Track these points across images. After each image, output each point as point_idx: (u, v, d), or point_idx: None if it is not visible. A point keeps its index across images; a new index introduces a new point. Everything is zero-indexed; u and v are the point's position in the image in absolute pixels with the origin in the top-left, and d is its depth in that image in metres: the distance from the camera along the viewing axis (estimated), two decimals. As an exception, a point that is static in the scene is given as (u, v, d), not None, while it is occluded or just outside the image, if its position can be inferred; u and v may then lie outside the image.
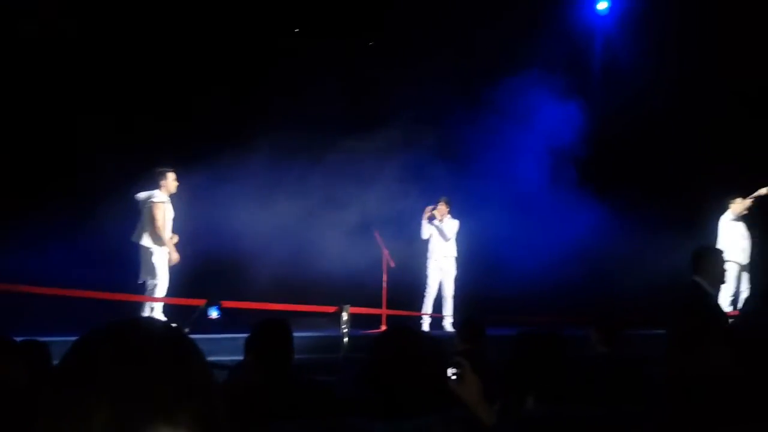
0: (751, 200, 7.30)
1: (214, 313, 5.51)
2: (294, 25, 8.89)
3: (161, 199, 6.42)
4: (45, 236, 6.83)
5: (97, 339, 0.73)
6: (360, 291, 7.41)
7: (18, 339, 2.84)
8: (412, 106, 8.16)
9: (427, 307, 7.70)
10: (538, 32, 8.62)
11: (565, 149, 8.67)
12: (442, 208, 7.66)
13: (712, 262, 4.40)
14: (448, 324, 7.60)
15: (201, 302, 5.62)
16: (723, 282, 4.56)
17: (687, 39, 8.37)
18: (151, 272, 6.38)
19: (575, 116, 8.71)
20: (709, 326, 1.42)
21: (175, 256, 6.46)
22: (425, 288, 7.73)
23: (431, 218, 7.66)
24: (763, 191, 7.23)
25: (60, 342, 4.31)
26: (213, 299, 5.57)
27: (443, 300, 7.70)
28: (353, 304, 6.36)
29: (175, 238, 6.53)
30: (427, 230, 7.70)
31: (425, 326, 7.63)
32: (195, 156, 7.53)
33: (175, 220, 6.58)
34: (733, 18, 7.94)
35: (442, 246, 7.69)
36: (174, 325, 0.90)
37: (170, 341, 0.74)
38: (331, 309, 6.33)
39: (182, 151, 7.48)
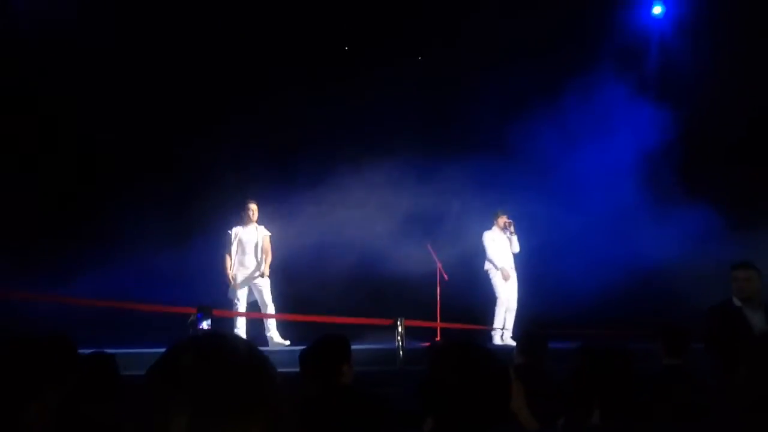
0: None
1: (205, 323, 5.62)
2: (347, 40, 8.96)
3: (228, 231, 7.06)
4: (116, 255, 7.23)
5: (180, 351, 0.77)
6: (414, 304, 7.38)
7: (86, 351, 2.95)
8: (476, 111, 8.09)
9: (500, 320, 7.53)
10: (598, 36, 8.44)
11: (632, 155, 8.36)
12: (506, 219, 7.58)
13: None
14: (507, 337, 7.44)
15: (192, 311, 5.76)
16: None
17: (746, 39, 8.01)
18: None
19: (646, 119, 8.37)
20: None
21: (229, 277, 6.95)
22: (496, 300, 7.54)
23: (505, 228, 7.56)
24: None
25: (127, 354, 4.47)
26: (204, 309, 5.70)
27: (507, 312, 7.54)
28: (408, 317, 6.33)
29: (252, 260, 6.98)
30: (494, 245, 7.53)
31: (497, 339, 7.47)
32: (248, 175, 7.77)
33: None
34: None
35: (509, 258, 7.59)
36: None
37: (245, 354, 0.78)
38: (387, 322, 6.33)
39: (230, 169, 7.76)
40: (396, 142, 7.97)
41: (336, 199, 7.84)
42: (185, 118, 7.89)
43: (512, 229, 7.56)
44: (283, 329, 7.01)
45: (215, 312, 6.27)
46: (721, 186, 8.04)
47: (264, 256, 7.02)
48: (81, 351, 2.74)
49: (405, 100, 8.15)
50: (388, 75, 7.97)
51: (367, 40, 8.66)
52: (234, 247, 6.99)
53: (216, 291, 6.94)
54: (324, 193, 7.88)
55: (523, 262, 7.74)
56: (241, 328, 6.83)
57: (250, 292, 7.02)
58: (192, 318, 5.82)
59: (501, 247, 7.57)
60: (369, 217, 7.87)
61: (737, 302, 4.40)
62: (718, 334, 4.23)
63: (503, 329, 7.52)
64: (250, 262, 6.99)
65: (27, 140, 7.43)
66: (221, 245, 7.07)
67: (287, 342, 6.76)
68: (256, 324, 7.05)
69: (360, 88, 7.91)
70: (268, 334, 6.90)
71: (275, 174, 8.13)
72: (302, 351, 3.00)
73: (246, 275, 6.97)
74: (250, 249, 7.01)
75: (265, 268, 6.98)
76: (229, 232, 7.04)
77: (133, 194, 7.62)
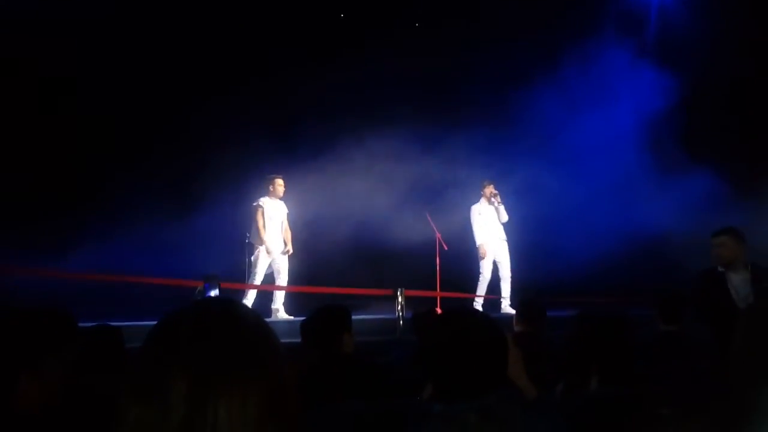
0: None
1: (212, 293, 5.62)
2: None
3: (258, 203, 6.99)
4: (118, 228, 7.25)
5: (179, 318, 0.76)
6: (414, 274, 7.42)
7: (91, 324, 2.98)
8: (477, 80, 7.98)
9: (481, 291, 7.57)
10: (598, 2, 8.31)
11: (633, 121, 8.28)
12: (492, 189, 7.54)
13: None
14: (506, 306, 7.50)
15: (199, 284, 5.79)
16: None
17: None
18: (248, 266, 7.00)
19: (648, 85, 8.25)
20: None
21: (271, 249, 6.92)
22: (479, 274, 7.56)
23: (492, 199, 7.51)
24: None
25: (132, 327, 4.50)
26: (212, 279, 5.72)
27: (501, 281, 7.57)
28: (408, 287, 6.37)
29: (277, 235, 7.00)
30: (481, 219, 7.51)
31: (478, 308, 7.57)
32: (249, 147, 7.74)
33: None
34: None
35: (497, 228, 7.57)
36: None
37: (250, 322, 0.77)
38: (387, 292, 6.37)
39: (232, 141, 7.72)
40: (397, 112, 7.91)
41: (337, 171, 7.82)
42: (185, 91, 7.84)
43: (498, 199, 7.50)
44: (285, 300, 7.05)
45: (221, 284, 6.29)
46: (723, 151, 8.01)
47: (286, 233, 7.06)
48: (85, 324, 2.76)
49: (406, 69, 8.05)
50: (388, 44, 7.87)
51: (366, 9, 8.54)
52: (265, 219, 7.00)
53: (221, 262, 6.92)
54: (324, 165, 7.85)
55: (522, 229, 7.73)
56: (249, 299, 6.84)
57: (269, 266, 7.04)
58: (199, 289, 5.84)
59: (488, 219, 7.52)
60: (370, 187, 7.85)
61: (721, 267, 4.42)
62: (702, 298, 4.28)
63: (502, 298, 7.56)
64: (274, 237, 6.99)
65: (26, 114, 7.39)
66: (253, 218, 7.02)
67: (291, 318, 6.80)
68: (264, 297, 7.08)
69: (360, 59, 7.81)
70: (273, 307, 6.93)
71: (276, 146, 8.10)
72: (303, 321, 3.02)
73: (269, 249, 6.96)
74: (274, 223, 7.02)
75: (290, 246, 7.03)
76: (260, 205, 6.99)
77: (134, 167, 7.61)
